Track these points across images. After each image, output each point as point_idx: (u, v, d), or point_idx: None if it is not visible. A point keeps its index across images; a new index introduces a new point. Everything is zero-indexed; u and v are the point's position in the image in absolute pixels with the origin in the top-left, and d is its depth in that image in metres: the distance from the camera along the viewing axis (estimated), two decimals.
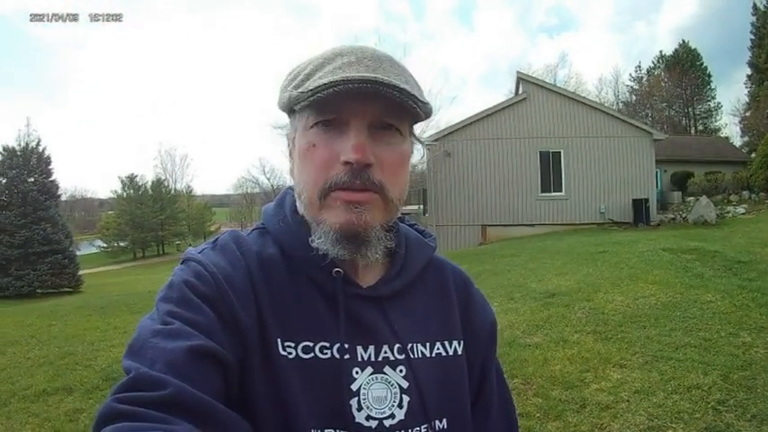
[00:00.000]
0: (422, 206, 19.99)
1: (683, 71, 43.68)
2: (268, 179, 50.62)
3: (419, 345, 0.73)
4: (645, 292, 5.84)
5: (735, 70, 73.68)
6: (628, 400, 3.49)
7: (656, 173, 17.50)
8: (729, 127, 42.71)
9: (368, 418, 0.66)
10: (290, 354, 0.66)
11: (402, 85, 0.64)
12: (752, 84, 36.90)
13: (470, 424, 0.75)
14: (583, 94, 25.70)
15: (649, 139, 16.24)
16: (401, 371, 0.70)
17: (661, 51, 49.68)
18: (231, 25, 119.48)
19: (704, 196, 16.05)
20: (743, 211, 15.66)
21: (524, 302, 5.99)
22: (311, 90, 0.65)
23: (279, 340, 0.66)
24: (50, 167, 22.84)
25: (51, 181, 22.81)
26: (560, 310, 5.53)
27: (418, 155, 16.52)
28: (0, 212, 20.11)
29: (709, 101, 44.83)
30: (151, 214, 44.41)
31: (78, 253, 26.39)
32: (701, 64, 45.22)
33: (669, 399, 3.45)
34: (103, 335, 6.19)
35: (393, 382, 0.69)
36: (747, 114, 36.15)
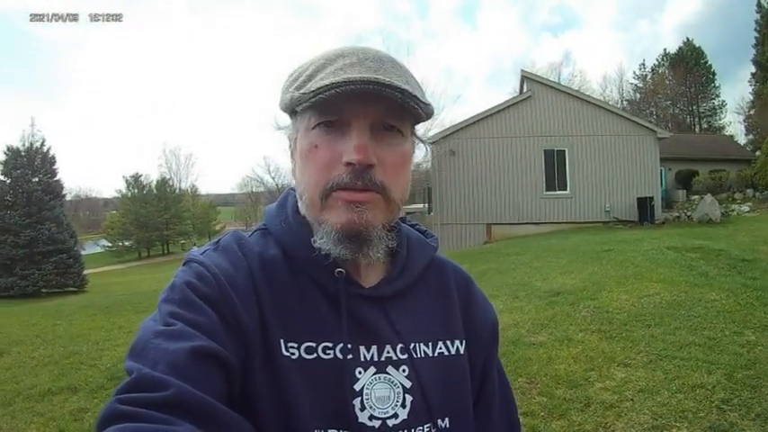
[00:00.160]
0: (426, 205, 19.93)
1: (688, 69, 43.54)
2: (273, 178, 50.54)
3: (421, 344, 0.73)
4: (650, 290, 5.82)
5: (739, 68, 73.42)
6: (632, 399, 3.48)
7: (661, 171, 17.40)
8: (734, 125, 42.74)
9: (371, 417, 0.66)
10: (292, 354, 0.66)
11: (403, 86, 0.64)
12: (756, 82, 36.79)
13: (473, 423, 0.76)
14: (587, 93, 25.62)
15: (654, 138, 16.17)
16: (404, 370, 0.70)
17: (665, 49, 49.58)
18: (231, 25, 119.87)
19: (709, 194, 15.96)
20: (747, 209, 15.62)
21: (529, 301, 5.99)
22: (313, 91, 0.65)
23: (282, 341, 0.66)
24: (55, 167, 22.90)
25: (56, 181, 22.86)
26: (565, 308, 5.52)
27: (422, 154, 16.48)
28: (5, 212, 20.19)
29: (714, 99, 44.75)
30: (156, 213, 44.50)
31: (83, 252, 26.52)
32: (706, 62, 45.11)
33: (673, 398, 3.44)
34: (108, 334, 6.22)
35: (396, 381, 0.69)
36: (752, 112, 36.00)
